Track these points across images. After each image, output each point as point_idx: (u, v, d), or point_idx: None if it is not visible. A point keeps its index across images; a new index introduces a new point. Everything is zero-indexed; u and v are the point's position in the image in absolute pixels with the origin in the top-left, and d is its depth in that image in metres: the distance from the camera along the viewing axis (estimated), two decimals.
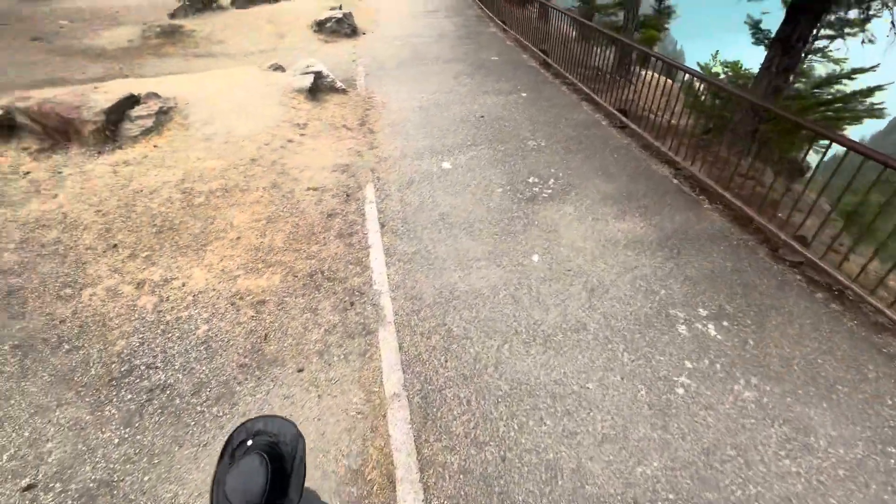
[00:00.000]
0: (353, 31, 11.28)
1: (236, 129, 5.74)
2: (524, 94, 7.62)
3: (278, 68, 7.75)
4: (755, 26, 5.63)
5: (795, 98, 5.97)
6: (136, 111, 5.71)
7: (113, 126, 5.54)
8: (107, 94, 5.78)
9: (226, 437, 1.15)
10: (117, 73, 8.44)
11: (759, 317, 3.46)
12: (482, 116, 6.80)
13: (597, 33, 7.01)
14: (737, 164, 4.80)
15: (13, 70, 8.33)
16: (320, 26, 10.98)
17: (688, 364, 3.09)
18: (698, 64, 6.74)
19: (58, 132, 5.47)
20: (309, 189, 4.94)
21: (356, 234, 4.35)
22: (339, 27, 11.02)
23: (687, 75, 5.24)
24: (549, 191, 5.00)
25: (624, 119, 6.32)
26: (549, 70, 8.80)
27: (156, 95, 5.94)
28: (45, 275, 3.74)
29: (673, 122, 5.86)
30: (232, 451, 1.12)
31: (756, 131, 5.86)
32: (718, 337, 3.30)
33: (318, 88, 7.21)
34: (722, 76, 6.97)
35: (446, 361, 3.14)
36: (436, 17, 13.38)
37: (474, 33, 11.63)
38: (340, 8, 12.16)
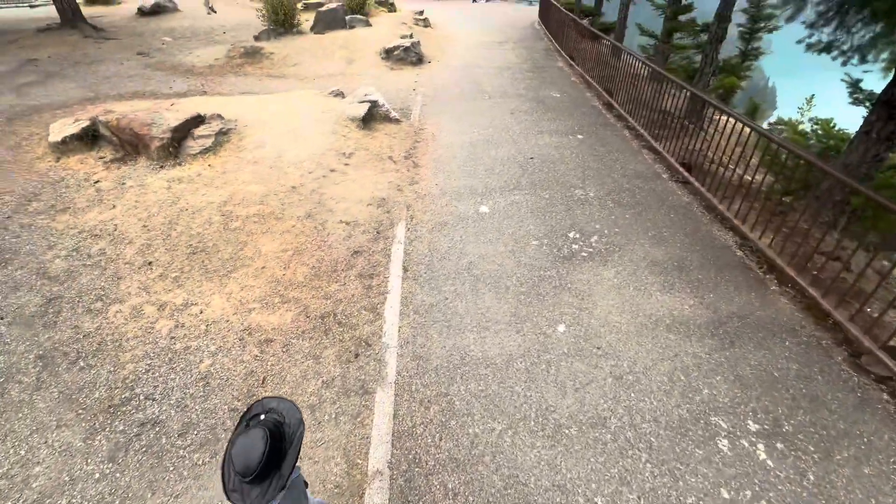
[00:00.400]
0: (420, 60, 11.52)
1: (285, 154, 5.91)
2: (580, 137, 7.25)
3: (338, 94, 8.01)
4: (854, 85, 4.90)
5: None
6: (199, 130, 6.07)
7: (177, 143, 5.92)
8: (177, 113, 6.20)
9: (245, 409, 1.48)
10: (198, 90, 9.17)
11: (825, 443, 2.84)
12: (532, 158, 6.53)
13: (666, 80, 6.53)
14: (819, 239, 4.11)
15: (114, 80, 9.31)
16: (388, 54, 11.32)
17: (724, 493, 2.58)
18: (783, 121, 5.99)
19: (130, 145, 5.93)
20: (341, 222, 4.92)
21: (377, 277, 4.22)
22: (406, 55, 11.29)
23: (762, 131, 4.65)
24: (590, 249, 4.60)
25: (686, 174, 5.77)
26: (611, 112, 8.36)
27: (219, 116, 6.30)
28: (84, 286, 3.95)
29: (747, 176, 5.22)
30: (248, 421, 1.42)
31: (847, 202, 5.08)
32: (769, 462, 2.73)
33: (372, 117, 7.32)
34: (810, 133, 6.18)
35: (440, 440, 2.86)
36: (503, 49, 13.38)
37: (539, 67, 11.45)
38: (411, 37, 12.51)
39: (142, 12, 15.80)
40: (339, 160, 6.01)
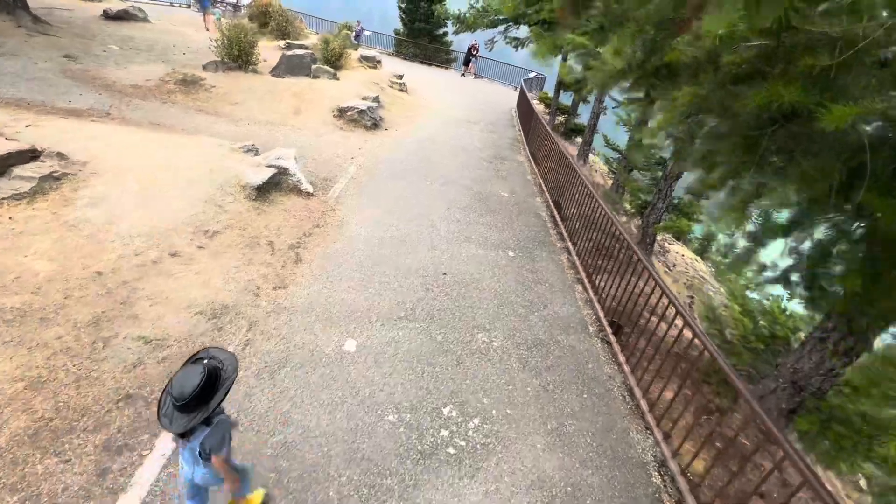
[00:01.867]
0: (375, 125, 10.73)
1: (122, 221, 4.57)
2: (511, 254, 6.28)
3: (251, 150, 6.87)
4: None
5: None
6: (22, 169, 4.69)
7: None
8: (8, 142, 4.85)
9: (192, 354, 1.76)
10: (100, 111, 7.87)
11: None
12: (445, 274, 5.43)
13: (603, 216, 5.73)
14: (761, 478, 3.01)
15: (2, 79, 7.92)
16: (341, 113, 10.49)
17: None
18: (731, 293, 5.17)
19: None
20: (139, 339, 3.52)
21: (127, 454, 2.79)
22: (361, 118, 10.49)
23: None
24: (462, 443, 3.34)
25: (612, 338, 4.75)
26: (556, 227, 7.55)
27: (59, 156, 4.97)
28: None
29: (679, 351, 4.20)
30: (192, 361, 1.75)
31: (794, 411, 4.13)
32: None
33: (274, 186, 6.16)
34: (758, 311, 5.31)
35: None
36: (471, 130, 12.89)
37: (500, 157, 10.84)
38: (376, 99, 11.84)
39: (106, 15, 14.78)
40: (194, 240, 4.71)
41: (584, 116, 16.23)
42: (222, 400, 1.72)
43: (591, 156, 14.23)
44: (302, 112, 10.26)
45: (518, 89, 22.45)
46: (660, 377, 4.40)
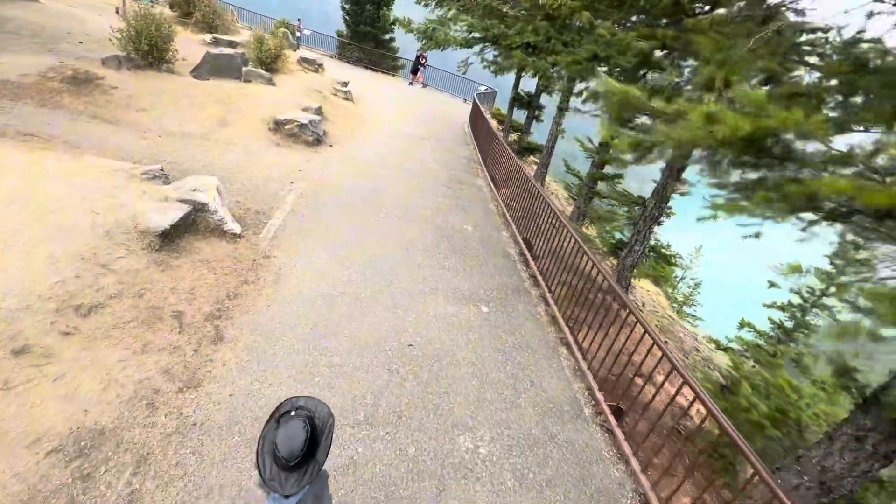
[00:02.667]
0: (318, 140, 9.44)
1: None
2: (485, 310, 5.40)
3: (157, 177, 5.40)
4: (843, 373, 3.64)
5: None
6: None
7: None
8: None
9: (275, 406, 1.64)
10: None
11: None
12: (411, 345, 4.41)
13: (580, 257, 5.05)
14: None
15: None
16: (278, 126, 9.08)
17: None
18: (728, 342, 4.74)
19: None
20: None
21: None
22: (301, 132, 9.15)
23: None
24: None
25: (616, 429, 4.00)
26: (527, 268, 6.80)
27: None
28: None
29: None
30: (278, 418, 1.57)
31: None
32: None
33: (188, 229, 4.80)
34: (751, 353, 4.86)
35: None
36: (423, 147, 11.94)
37: (458, 181, 10.00)
38: (318, 110, 10.51)
39: None
40: (57, 323, 3.29)
41: (540, 136, 15.92)
42: (328, 450, 1.62)
43: (546, 177, 13.85)
44: (230, 123, 8.72)
45: (469, 101, 21.93)
46: (671, 474, 3.74)
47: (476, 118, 15.36)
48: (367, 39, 24.49)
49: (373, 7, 23.46)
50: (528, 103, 15.24)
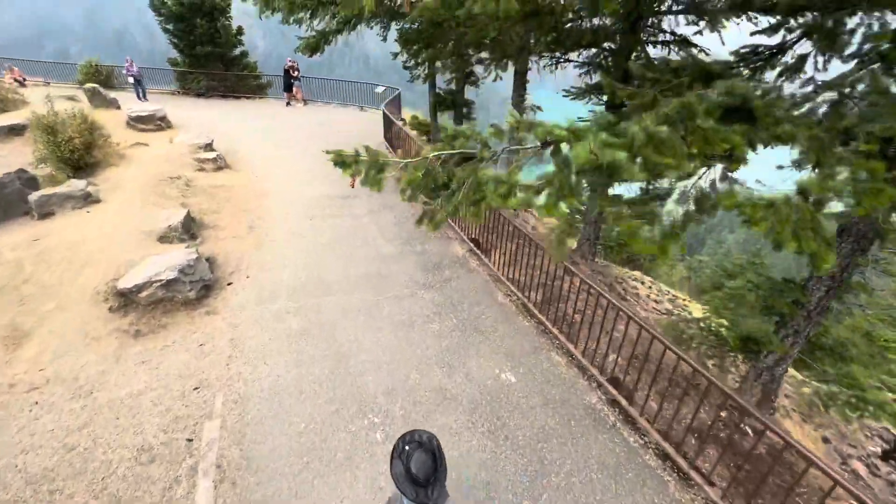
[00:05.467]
0: (206, 288, 5.73)
1: None
2: None
3: None
4: None
5: None
6: None
7: None
8: None
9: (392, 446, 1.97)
10: None
11: None
12: None
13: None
14: None
15: None
16: (126, 297, 5.21)
17: None
18: None
19: None
20: None
21: None
22: (172, 292, 5.40)
23: None
24: None
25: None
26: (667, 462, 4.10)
27: None
28: None
29: None
30: (399, 454, 1.87)
31: None
32: None
33: None
34: None
35: None
36: (357, 217, 8.47)
37: (432, 267, 6.88)
38: (188, 223, 6.64)
39: None
40: None
41: None
42: (446, 472, 1.89)
43: None
44: (25, 336, 4.75)
45: (366, 109, 18.15)
46: None
47: (393, 139, 12.01)
48: (211, 61, 19.27)
49: (206, 21, 18.21)
50: (453, 102, 12.19)
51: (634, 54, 6.31)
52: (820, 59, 3.02)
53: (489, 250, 7.16)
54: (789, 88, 2.65)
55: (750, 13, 4.52)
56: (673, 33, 6.27)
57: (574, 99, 7.88)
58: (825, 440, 5.97)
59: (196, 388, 4.38)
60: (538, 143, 2.42)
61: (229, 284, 6.10)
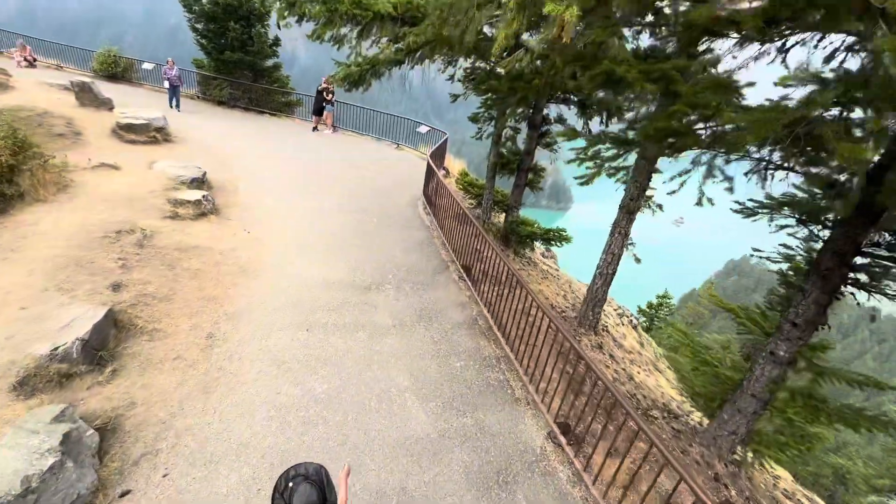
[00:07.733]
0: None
1: None
2: None
3: None
4: None
5: None
6: None
7: None
8: None
9: (272, 487, 1.67)
10: None
11: None
12: None
13: None
14: None
15: None
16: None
17: None
18: None
19: None
20: None
21: None
22: None
23: None
24: None
25: None
26: None
27: None
28: None
29: None
30: (280, 493, 1.63)
31: None
32: None
33: None
34: None
35: None
36: (382, 337, 5.62)
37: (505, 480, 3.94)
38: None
39: None
40: None
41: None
42: (335, 493, 1.75)
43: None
44: None
45: (403, 148, 15.59)
46: None
47: (433, 196, 9.25)
48: (239, 69, 17.15)
49: (240, 25, 16.17)
50: (518, 166, 9.48)
51: None
52: None
53: (582, 441, 4.20)
54: None
55: None
56: None
57: (748, 217, 5.07)
58: None
59: None
60: None
61: (123, 496, 3.19)
